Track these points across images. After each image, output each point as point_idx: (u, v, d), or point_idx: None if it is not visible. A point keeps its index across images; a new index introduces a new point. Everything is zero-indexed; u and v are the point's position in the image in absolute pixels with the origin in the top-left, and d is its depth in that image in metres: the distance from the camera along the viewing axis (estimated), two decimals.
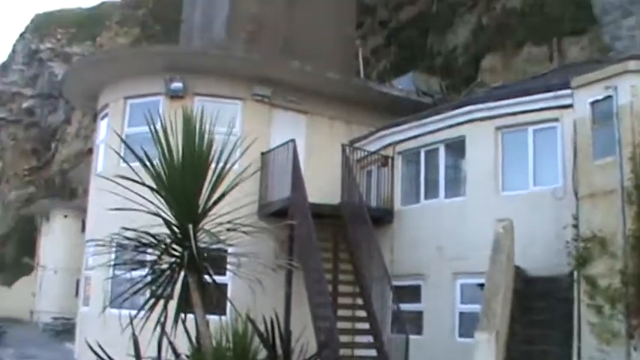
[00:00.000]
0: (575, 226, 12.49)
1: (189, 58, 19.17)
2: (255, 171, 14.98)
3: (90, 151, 28.48)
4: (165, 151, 7.76)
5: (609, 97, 12.03)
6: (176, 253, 7.93)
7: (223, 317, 8.80)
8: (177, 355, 8.37)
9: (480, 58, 24.03)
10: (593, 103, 12.40)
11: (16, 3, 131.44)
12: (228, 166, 8.13)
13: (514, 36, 22.91)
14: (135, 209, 7.91)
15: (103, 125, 20.66)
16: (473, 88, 23.24)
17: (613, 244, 11.44)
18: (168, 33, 35.72)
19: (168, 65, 18.73)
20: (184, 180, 7.73)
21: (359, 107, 20.61)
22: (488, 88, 21.84)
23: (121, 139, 16.58)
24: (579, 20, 21.02)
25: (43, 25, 50.81)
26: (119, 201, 8.14)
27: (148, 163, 7.94)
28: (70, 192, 44.74)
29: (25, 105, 50.20)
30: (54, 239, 40.70)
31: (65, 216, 40.53)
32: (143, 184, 7.91)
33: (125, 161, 8.88)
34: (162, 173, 7.80)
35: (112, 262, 9.44)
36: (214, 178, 7.94)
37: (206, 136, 7.86)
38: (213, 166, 7.97)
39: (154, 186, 7.96)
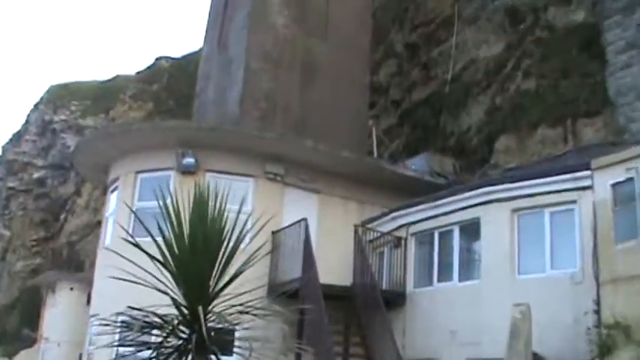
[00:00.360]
0: (597, 312, 12.09)
1: (202, 134, 19.09)
2: (268, 252, 14.76)
3: (99, 223, 28.27)
4: (176, 227, 7.50)
5: (631, 179, 11.80)
6: (183, 335, 7.59)
7: None
8: None
9: (494, 139, 23.84)
10: (614, 185, 12.18)
11: (32, 73, 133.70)
12: (239, 245, 7.86)
13: (528, 117, 22.75)
14: (141, 284, 7.64)
15: (112, 198, 20.50)
16: (487, 170, 23.04)
17: (638, 332, 11.02)
18: (181, 108, 35.90)
19: (181, 140, 18.64)
20: (195, 259, 7.44)
21: (372, 187, 20.41)
22: (502, 170, 21.66)
23: (132, 212, 16.40)
24: (594, 102, 20.90)
25: (57, 97, 51.11)
26: (126, 277, 7.86)
27: (158, 239, 7.68)
28: (76, 264, 44.33)
29: (36, 175, 50.17)
30: (59, 311, 40.11)
31: (71, 288, 39.96)
32: (153, 257, 7.63)
33: (132, 237, 8.52)
34: (173, 250, 7.52)
35: (116, 342, 9.08)
36: (225, 257, 7.65)
37: (218, 214, 7.60)
38: (224, 244, 7.69)
39: (163, 261, 7.67)
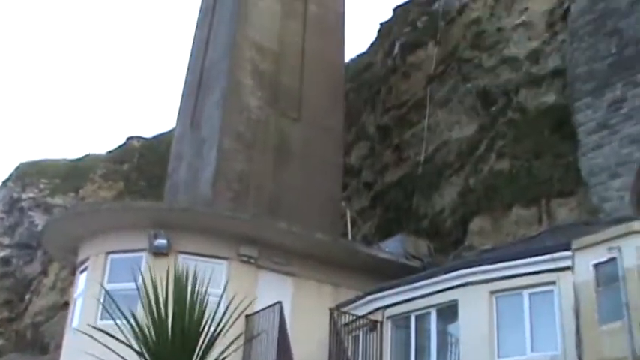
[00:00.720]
0: None
1: (175, 215, 18.85)
2: (243, 342, 14.41)
3: (65, 304, 27.67)
4: (155, 312, 7.15)
5: (613, 258, 11.73)
6: None
7: None
8: None
9: (468, 221, 23.80)
10: (596, 266, 12.08)
11: (1, 151, 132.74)
12: (215, 330, 7.52)
13: (502, 198, 22.80)
14: None
15: (81, 279, 19.99)
16: (461, 251, 22.93)
17: None
18: (152, 188, 35.61)
19: (153, 221, 18.37)
20: (174, 346, 7.08)
21: (347, 270, 20.11)
22: (477, 251, 21.56)
23: (106, 292, 15.92)
24: (567, 182, 21.03)
25: (26, 174, 50.63)
26: None
27: (133, 322, 7.32)
28: (41, 346, 43.24)
29: (1, 254, 49.31)
30: None
31: None
32: (129, 345, 7.26)
33: (112, 318, 8.10)
34: (150, 337, 7.16)
35: None
36: (204, 346, 7.30)
37: (197, 300, 7.28)
38: (204, 333, 7.35)
39: (138, 348, 7.30)
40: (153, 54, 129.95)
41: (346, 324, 18.64)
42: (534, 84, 23.97)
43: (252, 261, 18.97)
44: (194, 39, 26.94)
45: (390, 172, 30.31)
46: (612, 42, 20.25)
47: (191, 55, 26.69)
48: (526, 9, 25.58)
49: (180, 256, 17.80)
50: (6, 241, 49.60)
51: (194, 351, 7.20)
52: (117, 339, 7.31)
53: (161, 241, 17.98)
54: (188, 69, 26.50)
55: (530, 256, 15.09)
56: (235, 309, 7.71)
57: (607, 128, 19.76)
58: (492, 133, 24.86)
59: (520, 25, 25.51)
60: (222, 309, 7.65)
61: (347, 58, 30.84)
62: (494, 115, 25.17)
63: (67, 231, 19.98)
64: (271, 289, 18.75)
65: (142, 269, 16.61)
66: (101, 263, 18.88)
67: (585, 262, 12.37)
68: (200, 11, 27.38)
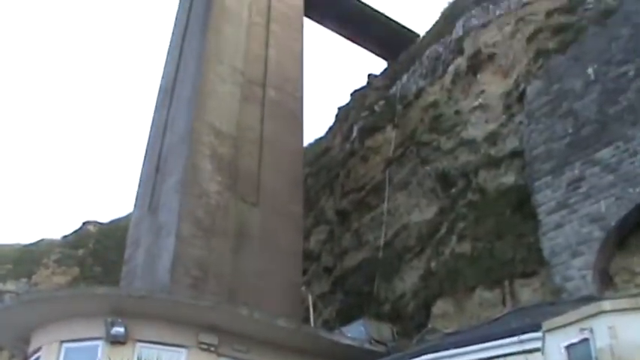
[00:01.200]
0: None
1: (133, 302, 18.26)
2: None
3: None
4: None
5: (586, 339, 11.54)
6: None
7: None
8: None
9: (431, 304, 23.54)
10: (568, 347, 11.86)
11: None
12: None
13: (465, 280, 22.61)
14: None
15: None
16: (424, 335, 22.58)
17: None
18: (108, 275, 34.99)
19: (110, 308, 17.80)
20: None
21: (309, 356, 19.63)
22: (441, 334, 21.24)
23: None
24: (530, 262, 20.90)
25: None
26: None
27: None
28: None
29: None
30: None
31: None
32: None
33: None
34: None
35: None
36: None
37: None
38: None
39: None
40: (110, 137, 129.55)
41: None
42: (493, 165, 24.11)
43: (212, 349, 18.40)
44: (152, 122, 26.88)
45: (350, 257, 30.15)
46: (568, 122, 20.49)
47: (149, 139, 26.57)
48: (483, 92, 25.99)
49: (138, 345, 17.35)
50: None
51: None
52: None
53: (118, 330, 17.41)
54: (146, 152, 26.34)
55: (497, 339, 14.79)
56: None
57: (567, 207, 19.79)
58: (452, 215, 24.85)
59: (477, 108, 25.87)
60: None
61: (305, 143, 30.99)
62: (454, 197, 25.23)
63: (19, 319, 19.21)
64: None
65: (98, 359, 16.06)
66: (54, 353, 18.15)
67: (556, 343, 12.14)
68: (159, 94, 27.41)
